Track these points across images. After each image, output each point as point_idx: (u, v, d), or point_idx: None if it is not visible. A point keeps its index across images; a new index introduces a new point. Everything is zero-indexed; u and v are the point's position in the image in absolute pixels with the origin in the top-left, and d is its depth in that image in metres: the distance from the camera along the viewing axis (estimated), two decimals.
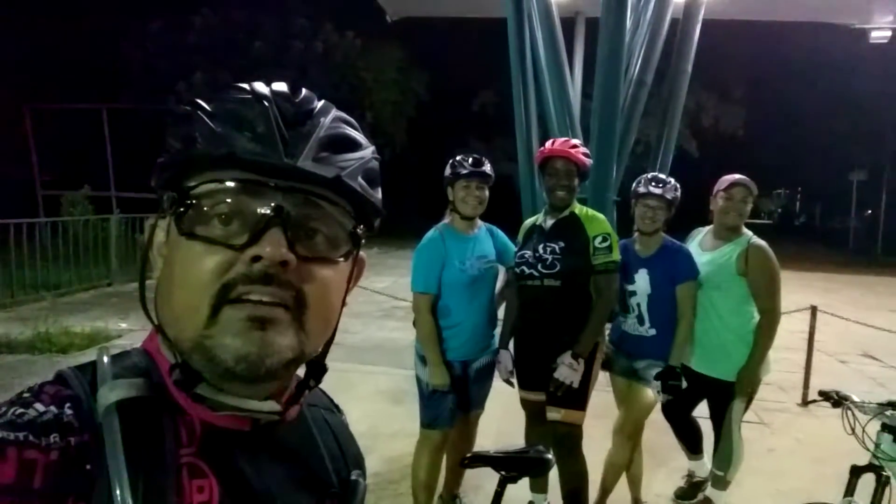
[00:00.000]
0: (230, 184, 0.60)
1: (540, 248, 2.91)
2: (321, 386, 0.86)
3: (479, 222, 3.08)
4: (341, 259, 0.65)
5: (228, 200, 0.60)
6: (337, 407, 0.86)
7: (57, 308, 7.66)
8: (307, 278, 0.61)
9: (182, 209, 0.60)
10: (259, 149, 0.59)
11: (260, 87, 0.64)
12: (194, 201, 0.60)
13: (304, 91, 0.67)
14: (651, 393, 3.06)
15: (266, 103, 0.61)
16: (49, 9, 17.82)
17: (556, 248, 2.88)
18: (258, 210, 0.59)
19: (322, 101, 0.67)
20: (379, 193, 0.70)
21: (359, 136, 0.68)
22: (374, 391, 5.02)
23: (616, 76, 6.30)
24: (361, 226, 0.67)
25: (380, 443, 4.02)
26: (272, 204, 0.59)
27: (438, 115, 21.42)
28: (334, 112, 0.67)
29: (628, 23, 6.48)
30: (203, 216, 0.60)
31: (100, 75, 17.83)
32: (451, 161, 3.00)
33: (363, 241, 0.67)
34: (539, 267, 2.89)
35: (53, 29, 17.93)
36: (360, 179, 0.65)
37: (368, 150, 0.68)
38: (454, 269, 2.92)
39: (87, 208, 11.02)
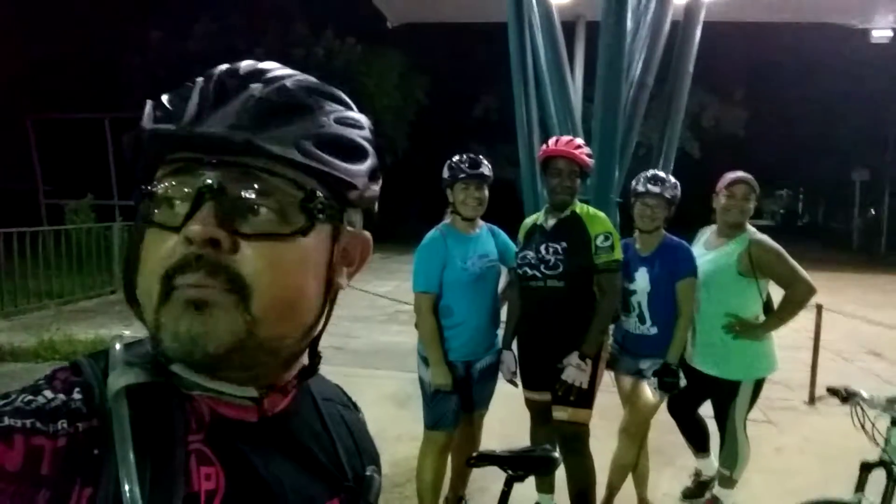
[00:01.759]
0: (172, 165, 0.59)
1: (542, 248, 2.90)
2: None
3: (481, 222, 3.07)
4: (298, 235, 0.59)
5: (170, 183, 0.59)
6: (354, 404, 0.85)
7: (61, 316, 7.68)
8: (249, 257, 0.57)
9: (140, 198, 0.60)
10: (162, 119, 0.58)
11: (226, 65, 0.63)
12: (150, 189, 0.59)
13: (268, 64, 0.64)
14: (653, 392, 3.04)
15: (202, 80, 0.60)
16: (50, 20, 17.91)
17: (559, 248, 2.87)
18: (192, 188, 0.57)
19: (281, 70, 0.63)
20: (354, 164, 0.64)
21: (318, 100, 0.63)
22: (378, 395, 5.01)
23: (617, 78, 6.31)
24: (327, 199, 0.61)
25: (385, 446, 3.98)
26: (203, 179, 0.56)
27: (440, 120, 21.44)
28: (291, 80, 0.62)
29: (629, 26, 6.50)
30: (158, 203, 0.59)
31: (102, 85, 17.92)
32: (448, 163, 2.99)
33: (328, 213, 0.62)
34: (542, 268, 2.88)
35: (55, 40, 18.03)
36: (306, 145, 0.59)
37: (330, 116, 0.62)
38: (456, 269, 2.91)
39: (89, 216, 11.03)
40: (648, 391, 3.05)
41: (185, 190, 0.57)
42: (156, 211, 0.58)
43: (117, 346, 0.62)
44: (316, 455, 0.70)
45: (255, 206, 0.58)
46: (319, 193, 0.61)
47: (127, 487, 0.51)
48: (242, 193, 0.57)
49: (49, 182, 17.23)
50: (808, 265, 3.29)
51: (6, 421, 0.52)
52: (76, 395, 0.56)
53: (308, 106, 0.61)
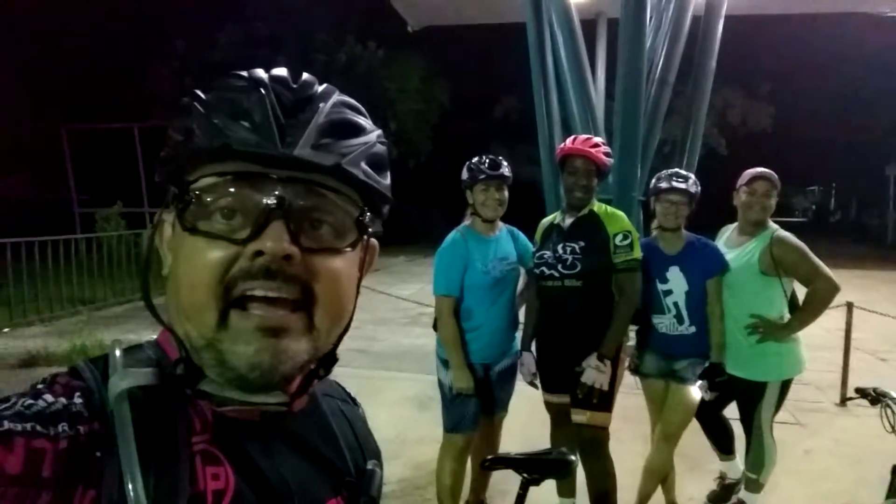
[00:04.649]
0: (229, 177, 0.59)
1: (559, 247, 2.87)
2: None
3: (500, 224, 3.06)
4: (349, 248, 0.63)
5: (229, 194, 0.59)
6: (353, 399, 0.86)
7: (93, 321, 7.85)
8: (314, 271, 0.60)
9: (184, 204, 0.59)
10: (255, 139, 0.58)
11: (258, 73, 0.63)
12: (196, 195, 0.59)
13: (304, 76, 0.65)
14: (692, 394, 2.99)
15: (263, 90, 0.60)
16: (79, 34, 18.38)
17: (577, 247, 2.83)
18: (259, 203, 0.58)
19: (323, 86, 0.65)
20: (387, 179, 0.68)
21: (362, 120, 0.66)
22: (400, 397, 5.03)
23: (638, 76, 6.25)
24: (368, 213, 0.65)
25: (406, 448, 4.01)
26: (273, 196, 0.58)
27: (461, 122, 21.45)
28: (336, 96, 0.65)
29: (649, 21, 6.43)
30: (205, 210, 0.59)
31: (130, 95, 18.32)
32: (468, 164, 2.97)
33: (371, 228, 0.66)
34: (559, 267, 2.85)
35: (85, 52, 18.49)
36: (363, 165, 0.63)
37: (373, 135, 0.66)
38: (476, 272, 2.91)
39: (119, 224, 11.28)
40: (687, 393, 2.99)
41: (250, 203, 0.58)
42: (203, 220, 0.59)
43: (117, 351, 0.62)
44: (319, 451, 0.71)
45: (318, 222, 0.61)
46: (366, 209, 0.65)
47: (131, 487, 0.52)
48: (308, 210, 0.60)
49: (82, 191, 17.67)
50: (840, 262, 3.22)
51: (6, 425, 0.52)
52: (77, 399, 0.57)
53: (360, 126, 0.65)
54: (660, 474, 3.12)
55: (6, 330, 7.64)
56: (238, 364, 0.58)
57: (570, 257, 2.83)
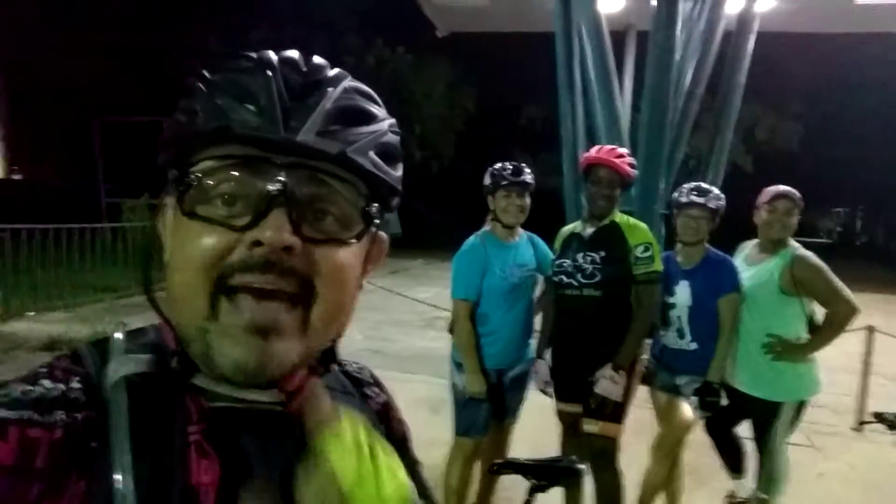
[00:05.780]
0: (230, 161, 0.56)
1: (580, 257, 2.87)
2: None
3: (521, 231, 3.07)
4: (354, 240, 0.60)
5: (230, 178, 0.56)
6: (362, 393, 0.80)
7: (115, 309, 8.00)
8: (316, 262, 0.57)
9: (184, 187, 0.57)
10: (258, 122, 0.55)
11: (267, 54, 0.60)
12: (196, 179, 0.56)
13: (315, 59, 0.62)
14: (690, 410, 2.98)
15: (270, 73, 0.57)
16: (115, 28, 18.77)
17: (597, 257, 2.83)
18: (261, 189, 0.55)
19: (335, 70, 0.62)
20: (397, 171, 0.65)
21: (374, 107, 0.63)
22: (412, 399, 5.02)
23: (665, 89, 6.21)
24: (376, 204, 0.62)
25: (416, 450, 4.02)
26: (276, 182, 0.55)
27: (486, 129, 21.50)
28: (347, 82, 0.62)
29: (680, 35, 6.40)
30: (205, 195, 0.56)
31: (162, 89, 18.66)
32: (490, 170, 2.98)
33: (378, 220, 0.63)
34: (579, 276, 2.85)
35: (119, 48, 18.87)
36: (371, 155, 0.60)
37: (384, 123, 0.63)
38: (495, 277, 2.92)
39: (145, 215, 11.48)
40: (685, 409, 2.99)
41: (251, 189, 0.56)
42: (202, 205, 0.56)
43: (117, 335, 0.61)
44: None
45: (322, 212, 0.58)
46: (373, 201, 0.62)
47: (119, 478, 0.51)
48: (312, 199, 0.57)
49: (109, 181, 17.99)
50: (864, 286, 3.18)
51: (1, 412, 0.51)
52: (75, 385, 0.55)
53: (371, 113, 0.62)
54: (656, 486, 3.10)
55: (31, 314, 7.82)
56: (222, 364, 0.56)
57: (590, 267, 2.83)
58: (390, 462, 0.55)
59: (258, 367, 0.55)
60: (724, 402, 2.93)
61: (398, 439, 0.80)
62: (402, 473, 0.55)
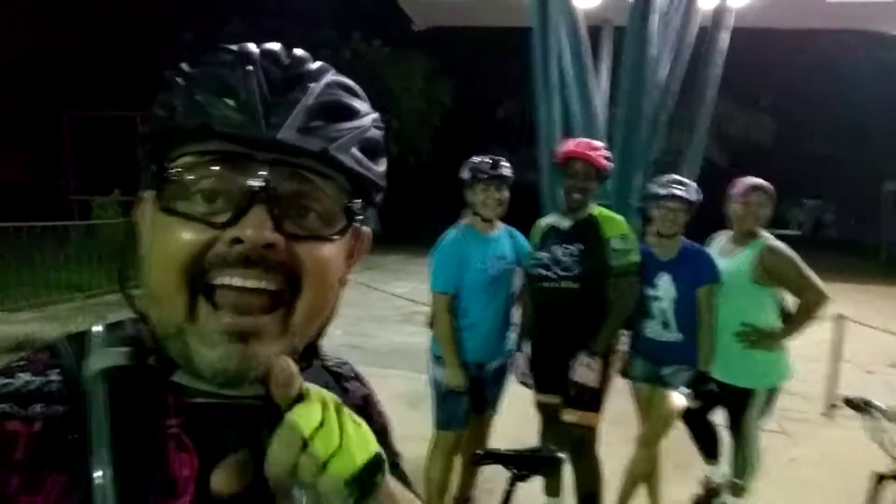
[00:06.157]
0: (210, 157, 0.55)
1: (557, 250, 2.89)
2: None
3: (500, 224, 3.08)
4: (336, 236, 0.59)
5: (209, 174, 0.55)
6: (344, 387, 0.79)
7: (86, 309, 7.84)
8: (299, 258, 0.56)
9: (163, 182, 0.56)
10: (238, 119, 0.54)
11: (248, 47, 0.59)
12: (176, 174, 0.55)
13: (297, 52, 0.61)
14: (676, 399, 3.02)
15: (251, 67, 0.56)
16: (84, 19, 18.37)
17: (575, 250, 2.85)
18: (241, 185, 0.54)
19: (318, 64, 0.61)
20: (380, 166, 0.64)
21: (356, 102, 0.62)
22: (391, 395, 5.02)
23: (641, 84, 6.28)
24: (359, 200, 0.61)
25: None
26: (256, 178, 0.54)
27: (463, 123, 21.46)
28: (330, 76, 0.61)
29: (655, 30, 6.46)
30: (184, 191, 0.55)
31: (134, 84, 18.30)
32: (468, 164, 2.98)
33: (361, 215, 0.62)
34: (556, 269, 2.87)
35: (90, 38, 18.47)
36: (354, 151, 0.59)
37: (367, 118, 0.62)
38: (474, 270, 2.92)
39: (117, 212, 11.28)
40: (670, 398, 3.02)
41: (232, 185, 0.55)
42: (181, 200, 0.55)
43: (96, 328, 0.61)
44: None
45: (305, 208, 0.58)
46: (356, 197, 0.61)
47: (99, 473, 0.51)
48: (294, 195, 0.57)
49: (80, 178, 17.62)
50: (834, 276, 3.25)
51: None
52: (54, 378, 0.55)
53: (353, 108, 0.61)
54: (641, 477, 3.15)
55: None
56: (201, 367, 0.55)
57: (568, 260, 2.85)
58: (358, 426, 0.54)
59: (237, 373, 0.55)
60: (714, 388, 2.98)
61: (378, 431, 0.79)
62: (372, 438, 0.55)
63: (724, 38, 7.12)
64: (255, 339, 0.55)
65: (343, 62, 17.45)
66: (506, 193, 2.96)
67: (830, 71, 20.85)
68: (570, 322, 2.88)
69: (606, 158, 2.90)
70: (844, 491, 3.23)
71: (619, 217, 2.93)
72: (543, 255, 2.93)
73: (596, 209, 2.94)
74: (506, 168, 2.94)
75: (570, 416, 2.84)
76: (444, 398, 2.97)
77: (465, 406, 2.96)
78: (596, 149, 2.89)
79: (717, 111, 8.20)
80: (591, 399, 2.80)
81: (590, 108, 7.17)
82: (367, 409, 0.82)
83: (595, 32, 8.75)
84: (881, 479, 2.36)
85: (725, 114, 20.53)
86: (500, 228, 3.09)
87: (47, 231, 8.52)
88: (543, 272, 2.91)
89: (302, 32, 17.91)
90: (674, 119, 7.29)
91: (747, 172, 3.24)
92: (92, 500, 0.50)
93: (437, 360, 2.99)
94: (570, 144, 2.96)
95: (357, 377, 0.84)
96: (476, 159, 2.98)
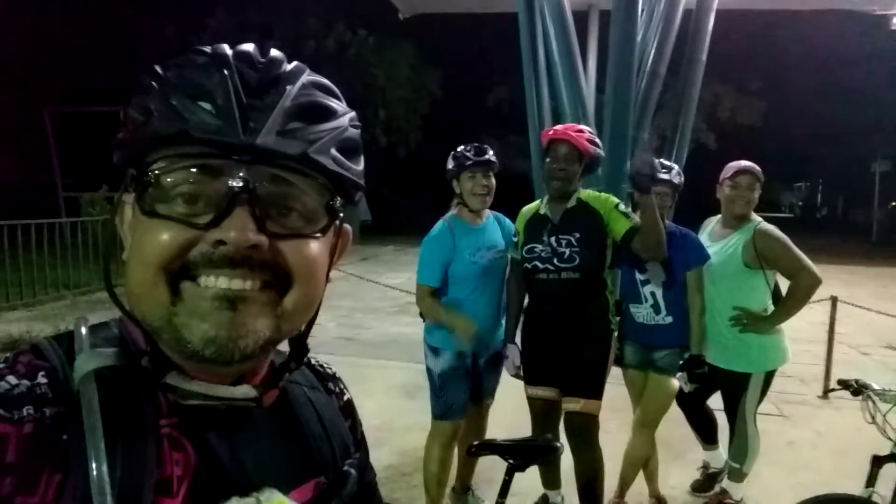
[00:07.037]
0: (190, 161, 0.55)
1: (553, 240, 2.80)
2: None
3: (487, 211, 3.04)
4: (319, 234, 0.61)
5: (190, 177, 0.55)
6: (326, 387, 0.80)
7: (77, 306, 7.81)
8: (285, 256, 0.57)
9: (143, 186, 0.56)
10: (215, 124, 0.54)
11: (222, 49, 0.59)
12: (155, 178, 0.56)
13: (272, 52, 0.61)
14: (671, 382, 3.00)
15: (226, 70, 0.56)
16: (65, 13, 18.11)
17: (573, 239, 2.76)
18: (222, 187, 0.54)
19: (293, 64, 0.62)
20: (359, 164, 0.64)
21: (333, 102, 0.62)
22: (387, 385, 5.03)
23: (628, 68, 6.24)
24: (339, 198, 0.62)
25: (393, 436, 4.02)
26: (237, 179, 0.54)
27: (452, 112, 21.39)
28: (306, 76, 0.61)
29: (641, 14, 6.42)
30: (165, 194, 0.55)
31: (118, 79, 18.10)
32: (453, 153, 2.94)
33: (342, 213, 0.63)
34: (555, 260, 2.78)
35: (71, 33, 18.23)
36: (333, 152, 0.60)
37: (345, 118, 0.62)
38: (465, 262, 2.89)
39: (105, 209, 11.16)
40: (665, 382, 3.01)
41: (212, 188, 0.55)
42: (162, 203, 0.55)
43: (83, 329, 0.60)
44: (282, 440, 0.68)
45: (286, 208, 0.58)
46: (336, 195, 0.62)
47: (95, 472, 0.50)
48: (275, 196, 0.57)
49: (68, 175, 17.45)
50: (826, 258, 3.24)
51: None
52: (41, 380, 0.55)
53: (331, 109, 0.62)
54: (639, 461, 3.14)
55: None
56: (192, 338, 0.55)
57: (566, 250, 2.77)
58: None
59: (229, 339, 0.55)
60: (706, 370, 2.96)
61: (359, 441, 0.82)
62: None
63: (710, 21, 7.09)
64: (243, 306, 0.55)
65: (328, 53, 17.37)
66: (492, 180, 2.92)
67: (818, 52, 20.91)
68: (569, 311, 2.82)
69: (591, 142, 2.81)
70: (842, 471, 3.24)
71: (607, 194, 2.88)
72: (538, 247, 2.84)
73: (583, 192, 2.87)
74: (490, 154, 2.91)
75: (573, 404, 2.78)
76: (440, 389, 2.94)
77: (462, 396, 2.94)
78: (580, 131, 2.80)
79: (706, 94, 8.20)
80: (592, 385, 2.75)
81: (578, 93, 7.14)
82: (351, 414, 0.82)
83: (581, 17, 8.69)
84: (879, 461, 2.36)
85: (715, 97, 20.60)
86: (489, 216, 3.05)
87: (38, 229, 8.42)
88: (541, 265, 2.82)
89: (287, 24, 17.76)
90: (662, 103, 7.28)
91: (737, 155, 3.22)
92: (89, 499, 0.50)
93: (433, 350, 2.97)
94: (555, 128, 2.91)
95: (338, 378, 0.84)
96: (460, 148, 2.94)
